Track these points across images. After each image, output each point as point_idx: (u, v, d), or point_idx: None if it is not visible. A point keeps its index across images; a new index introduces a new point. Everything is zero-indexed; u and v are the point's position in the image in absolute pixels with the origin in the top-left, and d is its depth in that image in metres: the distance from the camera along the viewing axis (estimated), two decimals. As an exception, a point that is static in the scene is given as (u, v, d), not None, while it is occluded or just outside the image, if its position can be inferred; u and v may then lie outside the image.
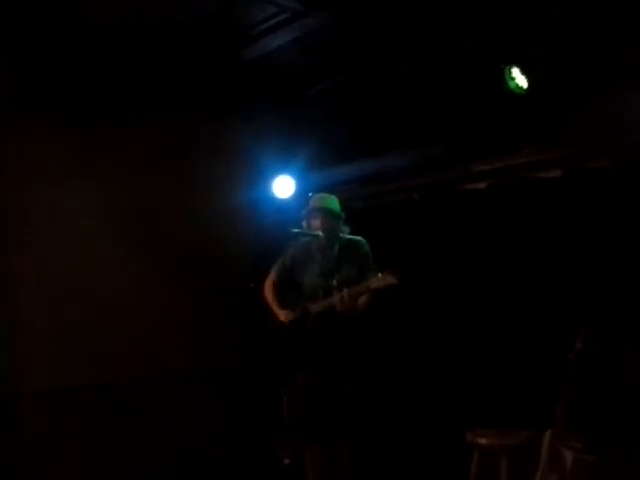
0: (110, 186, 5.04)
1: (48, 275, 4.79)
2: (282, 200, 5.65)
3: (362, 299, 4.14)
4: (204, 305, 5.34)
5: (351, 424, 4.18)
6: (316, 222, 4.28)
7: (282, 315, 4.35)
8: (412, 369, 5.22)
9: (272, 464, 4.86)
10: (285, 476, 4.70)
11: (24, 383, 4.64)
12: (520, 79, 4.48)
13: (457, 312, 5.01)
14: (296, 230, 4.35)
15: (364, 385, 4.26)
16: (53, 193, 4.85)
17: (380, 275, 4.00)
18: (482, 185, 4.95)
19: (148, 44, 4.59)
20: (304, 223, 4.37)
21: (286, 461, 4.62)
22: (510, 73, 4.48)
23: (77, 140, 4.94)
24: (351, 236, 4.38)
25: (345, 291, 4.08)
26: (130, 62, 4.71)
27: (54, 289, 4.80)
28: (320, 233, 4.25)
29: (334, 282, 4.17)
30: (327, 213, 4.28)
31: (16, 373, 4.63)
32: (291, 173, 5.61)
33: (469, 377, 4.90)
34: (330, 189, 4.82)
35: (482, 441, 4.24)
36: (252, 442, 5.36)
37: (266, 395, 4.96)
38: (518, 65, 4.46)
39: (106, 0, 4.11)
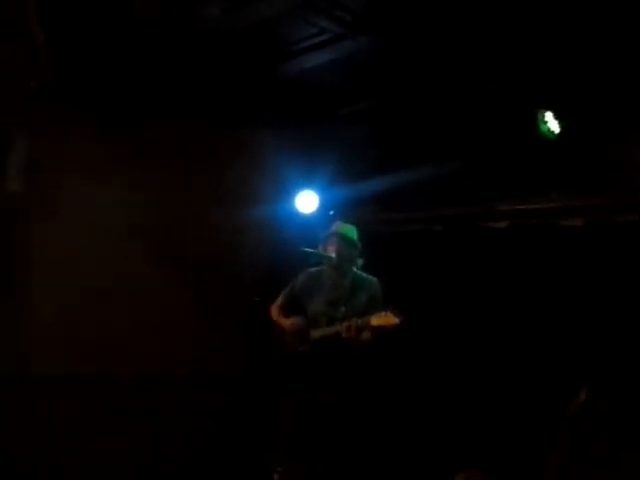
0: (134, 188, 5.15)
1: (62, 269, 4.94)
2: (305, 215, 5.65)
3: (365, 334, 4.04)
4: (213, 314, 5.39)
5: (336, 448, 4.19)
6: (332, 247, 4.30)
7: (287, 324, 4.37)
8: (409, 402, 5.19)
9: (262, 477, 4.86)
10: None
11: (28, 367, 4.75)
12: (552, 123, 4.45)
13: (460, 348, 4.98)
14: (308, 250, 4.36)
15: (356, 413, 4.26)
16: (80, 187, 4.99)
17: (384, 313, 3.93)
18: (503, 224, 4.92)
19: (187, 49, 4.65)
20: (320, 247, 4.38)
21: (276, 476, 4.61)
22: (543, 117, 4.46)
23: (109, 139, 5.06)
24: (366, 274, 4.38)
25: (354, 320, 4.02)
26: (167, 65, 4.78)
27: (66, 284, 4.94)
28: (333, 256, 4.26)
29: (340, 313, 4.17)
30: (343, 239, 4.31)
31: (21, 357, 4.73)
32: (315, 189, 5.60)
33: (464, 417, 4.86)
34: (353, 207, 4.79)
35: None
36: (244, 454, 5.37)
37: (262, 408, 4.98)
38: (552, 109, 4.43)
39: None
